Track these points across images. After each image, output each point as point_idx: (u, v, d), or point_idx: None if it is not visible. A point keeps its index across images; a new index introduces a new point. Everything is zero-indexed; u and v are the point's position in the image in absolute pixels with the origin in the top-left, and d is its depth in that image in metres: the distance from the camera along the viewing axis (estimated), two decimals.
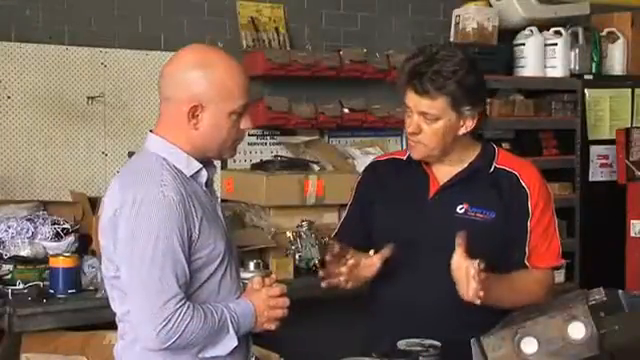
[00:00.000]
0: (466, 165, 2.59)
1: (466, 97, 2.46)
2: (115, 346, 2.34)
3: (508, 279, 2.47)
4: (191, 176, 2.25)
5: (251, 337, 2.38)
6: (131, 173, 2.26)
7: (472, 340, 2.13)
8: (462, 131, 2.52)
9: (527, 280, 2.53)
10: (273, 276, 2.41)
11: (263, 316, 2.29)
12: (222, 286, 2.26)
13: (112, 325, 2.38)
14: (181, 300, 2.13)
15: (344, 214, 2.81)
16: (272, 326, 2.32)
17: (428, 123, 2.48)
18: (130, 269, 2.15)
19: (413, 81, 2.46)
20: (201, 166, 2.26)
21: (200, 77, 2.19)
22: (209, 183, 2.33)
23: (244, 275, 2.50)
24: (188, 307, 2.14)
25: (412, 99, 2.49)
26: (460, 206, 2.54)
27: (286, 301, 2.33)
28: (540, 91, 5.36)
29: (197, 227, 2.17)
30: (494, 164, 2.60)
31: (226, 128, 2.23)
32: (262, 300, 2.30)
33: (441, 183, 2.58)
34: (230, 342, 2.22)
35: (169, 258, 2.12)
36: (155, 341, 2.12)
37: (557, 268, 2.67)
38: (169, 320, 2.10)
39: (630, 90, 5.57)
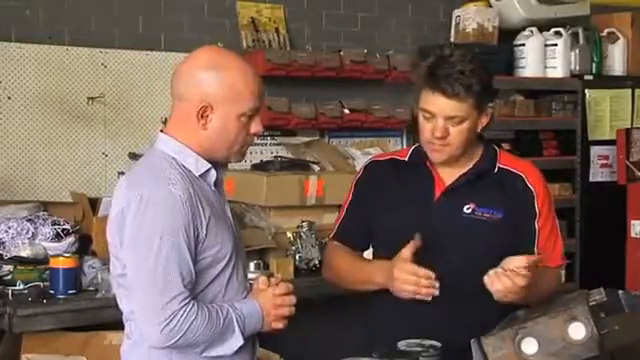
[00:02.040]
0: (471, 166, 2.60)
1: (487, 94, 2.50)
2: (122, 346, 2.34)
3: (542, 275, 2.46)
4: (200, 175, 2.25)
5: (257, 338, 2.39)
6: (139, 172, 2.27)
7: (472, 341, 2.13)
8: (479, 128, 2.55)
9: (548, 277, 2.54)
10: (279, 275, 2.41)
11: (270, 315, 2.30)
12: (229, 287, 2.27)
13: (112, 326, 2.39)
14: (186, 298, 2.13)
15: (342, 213, 2.80)
16: (280, 325, 2.33)
17: (454, 125, 2.47)
18: (136, 266, 2.16)
19: (442, 84, 2.43)
20: (210, 166, 2.27)
21: (212, 78, 2.19)
22: (218, 184, 2.33)
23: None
24: (192, 305, 2.14)
25: (437, 103, 2.45)
26: (467, 206, 2.54)
27: (292, 299, 2.34)
28: (540, 91, 5.35)
29: (204, 226, 2.18)
30: (497, 164, 2.61)
31: (234, 130, 2.23)
32: (268, 299, 2.30)
33: (447, 184, 2.58)
34: (236, 341, 2.22)
35: (174, 256, 2.12)
36: (158, 339, 2.13)
37: (561, 267, 2.68)
38: (173, 318, 2.11)
39: (630, 90, 5.57)
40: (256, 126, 2.27)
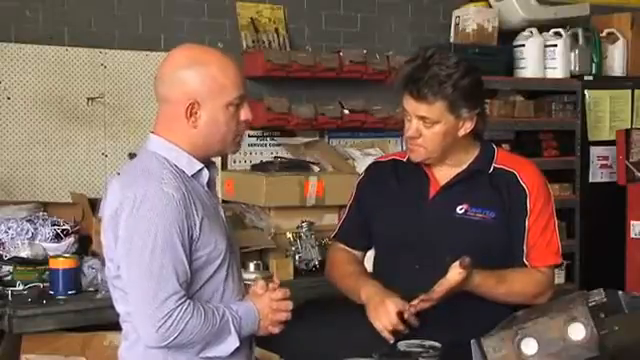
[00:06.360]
0: (466, 166, 2.60)
1: (463, 100, 2.48)
2: (119, 348, 2.34)
3: (499, 272, 2.49)
4: (192, 175, 2.26)
5: (254, 340, 2.38)
6: (132, 172, 2.27)
7: (472, 341, 2.13)
8: (461, 133, 2.53)
9: (521, 275, 2.54)
10: (276, 280, 2.41)
11: (267, 319, 2.30)
12: (225, 286, 2.27)
13: (112, 326, 2.39)
14: (181, 297, 2.13)
15: (344, 214, 2.82)
16: (276, 329, 2.33)
17: (427, 127, 2.49)
18: (130, 266, 2.16)
19: (410, 86, 2.47)
20: (202, 166, 2.27)
21: (192, 75, 2.21)
22: (211, 183, 2.33)
23: (244, 276, 2.50)
24: (188, 305, 2.14)
25: (410, 104, 2.50)
26: (460, 206, 2.55)
27: (289, 304, 2.34)
28: (540, 92, 5.36)
29: (198, 225, 2.18)
30: (493, 164, 2.61)
31: (224, 121, 2.24)
32: (265, 304, 2.30)
33: (441, 184, 2.59)
34: (232, 343, 2.22)
35: (169, 255, 2.12)
36: (155, 338, 2.13)
37: (557, 266, 2.68)
38: (169, 317, 2.11)
39: (630, 91, 5.57)
40: (245, 113, 2.28)
